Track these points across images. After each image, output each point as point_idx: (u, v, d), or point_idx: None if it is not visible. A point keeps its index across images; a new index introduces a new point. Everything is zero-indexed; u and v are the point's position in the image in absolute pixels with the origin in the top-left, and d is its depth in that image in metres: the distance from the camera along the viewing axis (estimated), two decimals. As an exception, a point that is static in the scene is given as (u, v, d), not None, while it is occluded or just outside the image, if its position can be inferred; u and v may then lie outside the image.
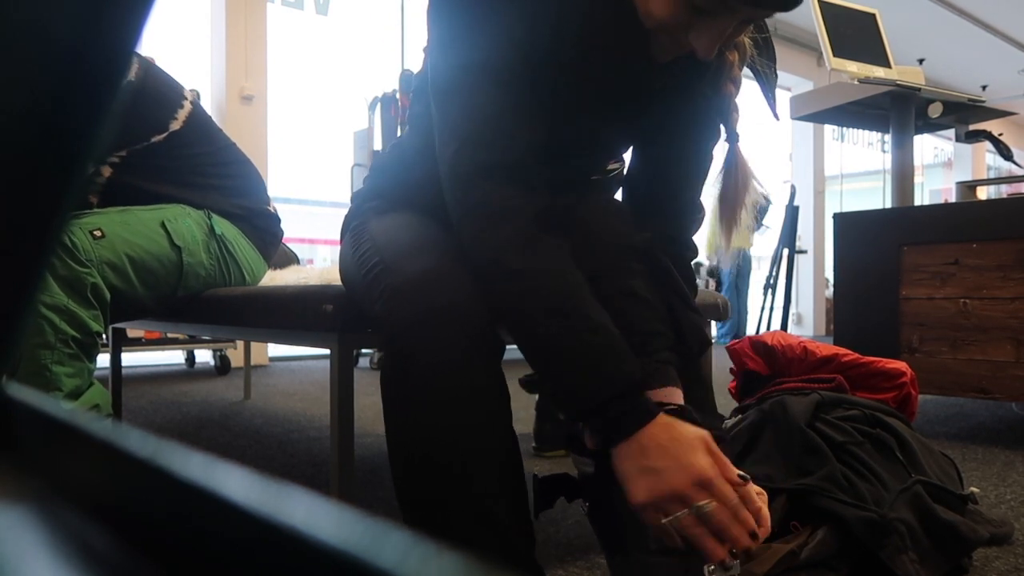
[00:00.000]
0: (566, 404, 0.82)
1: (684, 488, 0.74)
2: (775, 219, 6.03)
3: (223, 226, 1.64)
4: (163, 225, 1.51)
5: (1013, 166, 3.30)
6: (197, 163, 1.67)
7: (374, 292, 0.87)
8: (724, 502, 0.74)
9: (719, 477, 0.75)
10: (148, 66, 1.63)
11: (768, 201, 6.66)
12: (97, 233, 1.39)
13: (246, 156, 1.82)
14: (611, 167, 1.20)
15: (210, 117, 1.76)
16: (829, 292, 8.24)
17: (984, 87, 8.92)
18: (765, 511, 0.78)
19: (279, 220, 1.84)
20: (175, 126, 1.63)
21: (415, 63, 5.45)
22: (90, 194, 1.58)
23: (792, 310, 8.08)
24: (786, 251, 5.18)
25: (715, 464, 0.76)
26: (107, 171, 1.57)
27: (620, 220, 0.99)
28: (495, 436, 0.83)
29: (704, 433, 0.78)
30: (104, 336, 1.48)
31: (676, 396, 0.88)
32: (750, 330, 6.88)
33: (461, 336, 0.80)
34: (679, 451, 0.75)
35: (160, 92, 1.65)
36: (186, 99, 1.68)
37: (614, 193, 1.24)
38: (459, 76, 0.87)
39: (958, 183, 3.20)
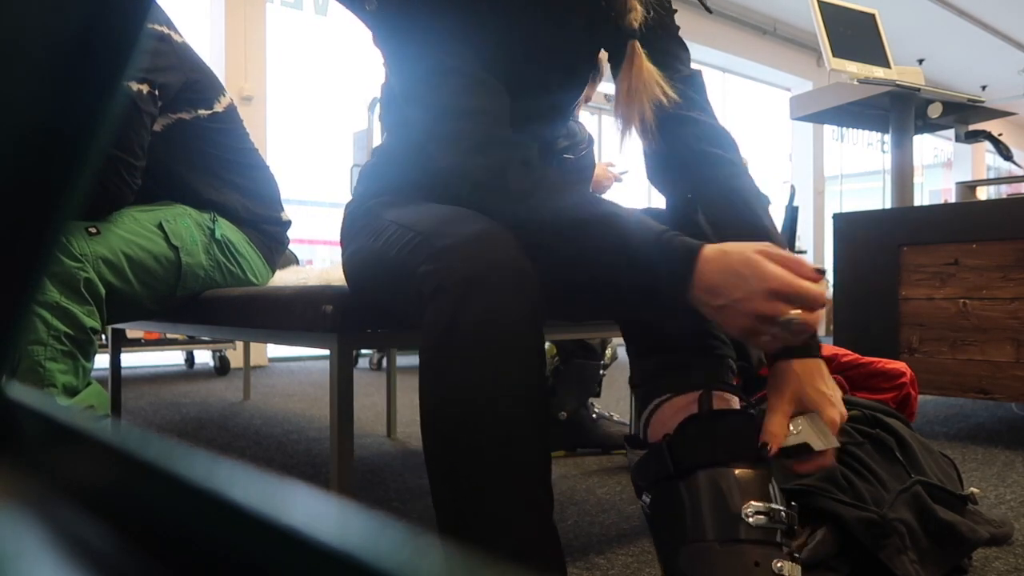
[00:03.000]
0: (623, 281, 0.86)
1: (764, 310, 0.77)
2: (775, 219, 6.03)
3: (227, 230, 1.64)
4: (160, 225, 1.52)
5: (1013, 166, 3.30)
6: (226, 156, 1.70)
7: (415, 260, 0.86)
8: (806, 304, 0.78)
9: (792, 281, 0.78)
10: (189, 46, 1.67)
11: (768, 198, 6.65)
12: (92, 230, 1.39)
13: (267, 165, 1.85)
14: (565, 143, 1.21)
15: (242, 120, 1.80)
16: (829, 292, 8.24)
17: (984, 87, 8.93)
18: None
19: (289, 226, 1.86)
20: (218, 108, 1.67)
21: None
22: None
23: (792, 310, 8.07)
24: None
25: (783, 271, 0.78)
26: (158, 126, 1.58)
27: None
28: (534, 394, 0.83)
29: (756, 245, 0.81)
30: (102, 334, 1.48)
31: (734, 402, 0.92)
32: (750, 330, 6.87)
33: (518, 293, 0.82)
34: (740, 279, 0.78)
35: (209, 72, 1.69)
36: (227, 92, 1.73)
37: (588, 170, 1.28)
38: (412, 85, 0.99)
39: (958, 183, 3.20)
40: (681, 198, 1.06)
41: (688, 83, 1.07)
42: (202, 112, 1.63)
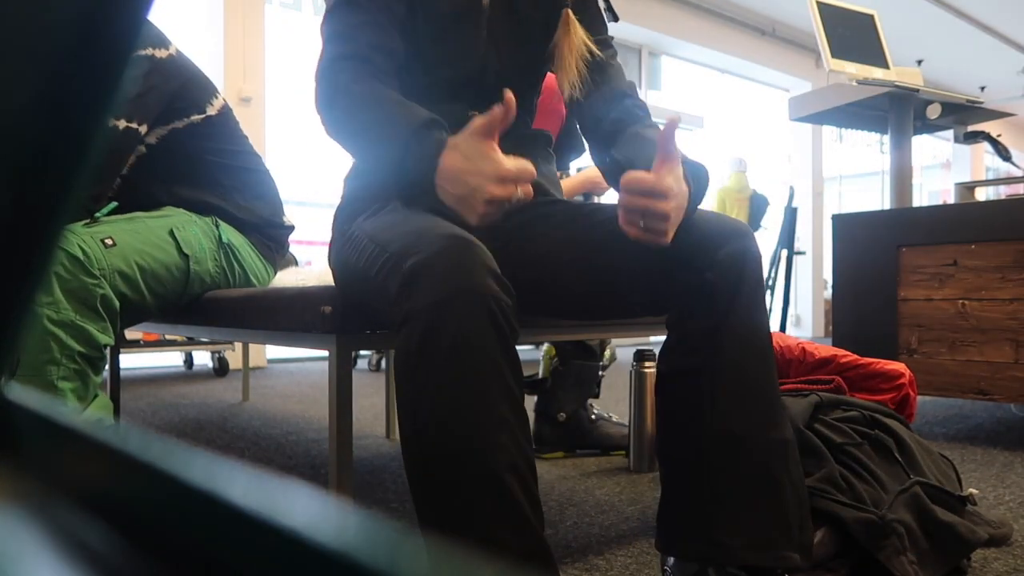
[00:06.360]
0: (387, 169, 0.96)
1: (497, 194, 0.86)
2: (774, 220, 6.04)
3: (230, 234, 1.65)
4: (172, 233, 1.52)
5: (1011, 167, 3.30)
6: (225, 161, 1.70)
7: (390, 284, 0.88)
8: (525, 180, 0.88)
9: (512, 166, 0.87)
10: (180, 53, 1.66)
11: (766, 201, 6.66)
12: (108, 242, 1.39)
13: (267, 168, 1.84)
14: (539, 128, 1.29)
15: (238, 123, 1.79)
16: (828, 293, 8.24)
17: (982, 88, 8.94)
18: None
19: (291, 231, 1.86)
20: (211, 111, 1.67)
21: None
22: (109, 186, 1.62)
23: (791, 311, 8.08)
24: (784, 252, 5.19)
25: (503, 157, 0.88)
26: (141, 149, 1.60)
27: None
28: (511, 411, 0.84)
29: (482, 137, 0.89)
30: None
31: None
32: (749, 331, 6.85)
33: (482, 315, 0.82)
34: (471, 170, 0.88)
35: (199, 75, 1.69)
36: (219, 93, 1.73)
37: (559, 153, 1.38)
38: (330, 9, 1.12)
39: (956, 184, 3.21)
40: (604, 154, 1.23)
41: (607, 55, 1.25)
42: (195, 118, 1.63)
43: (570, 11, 1.22)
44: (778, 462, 0.96)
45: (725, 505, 0.94)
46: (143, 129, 1.56)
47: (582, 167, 2.52)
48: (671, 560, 1.01)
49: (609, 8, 1.30)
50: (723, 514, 0.94)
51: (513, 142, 1.21)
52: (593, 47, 1.22)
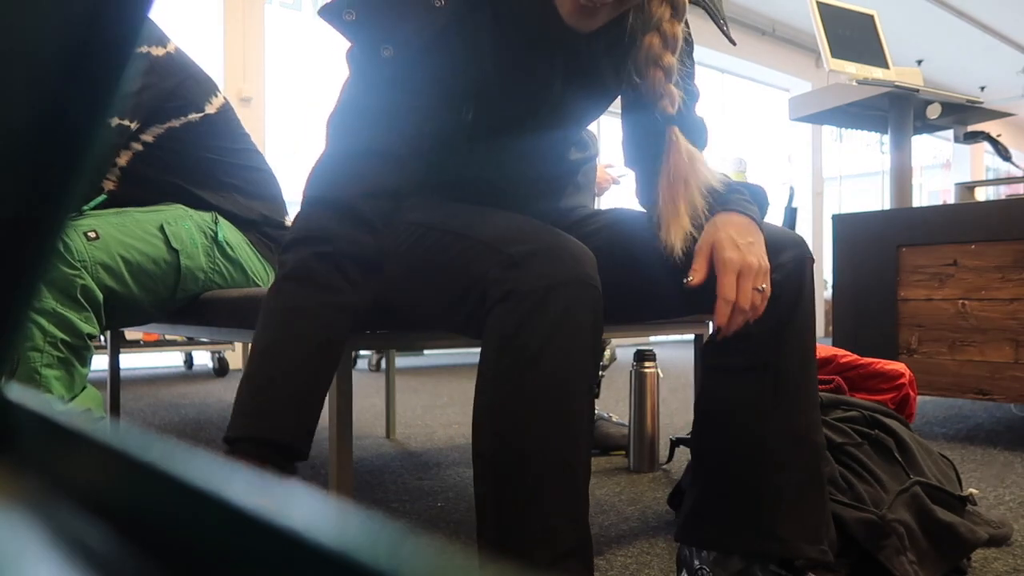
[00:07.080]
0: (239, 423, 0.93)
1: None
2: (773, 220, 6.04)
3: (228, 231, 1.64)
4: (161, 228, 1.52)
5: (1011, 167, 3.30)
6: (225, 159, 1.69)
7: (480, 267, 0.88)
8: None
9: None
10: (179, 50, 1.66)
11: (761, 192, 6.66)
12: (91, 235, 1.39)
13: (270, 167, 1.83)
14: (576, 155, 1.22)
15: (239, 121, 1.78)
16: (828, 293, 8.25)
17: (982, 88, 8.94)
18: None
19: None
20: (210, 110, 1.66)
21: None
22: (109, 178, 1.61)
23: (791, 311, 8.06)
24: (785, 252, 5.17)
25: None
26: (138, 147, 1.59)
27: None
28: (590, 403, 0.89)
29: None
30: (99, 338, 1.48)
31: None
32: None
33: (587, 304, 0.85)
34: None
35: (198, 73, 1.68)
36: (219, 91, 1.72)
37: (590, 182, 1.32)
38: (334, 113, 0.97)
39: (956, 184, 3.21)
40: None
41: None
42: (192, 116, 1.63)
43: (677, 131, 1.00)
44: (822, 461, 1.01)
45: (785, 500, 0.97)
46: (134, 125, 1.55)
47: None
48: (708, 555, 1.01)
49: (723, 28, 1.11)
50: (783, 509, 0.97)
51: (554, 175, 1.19)
52: (715, 182, 1.00)
